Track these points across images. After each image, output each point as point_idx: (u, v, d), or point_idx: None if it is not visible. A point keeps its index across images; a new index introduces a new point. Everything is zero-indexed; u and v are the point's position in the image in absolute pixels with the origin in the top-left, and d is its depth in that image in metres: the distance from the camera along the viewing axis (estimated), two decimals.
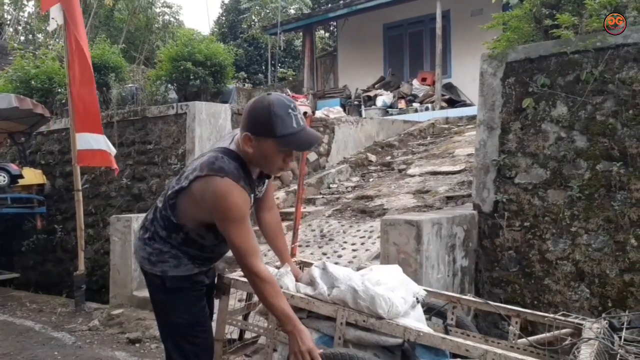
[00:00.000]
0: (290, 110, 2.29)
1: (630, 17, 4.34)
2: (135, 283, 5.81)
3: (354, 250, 5.49)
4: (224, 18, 22.65)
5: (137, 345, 4.89)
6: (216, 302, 2.93)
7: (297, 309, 2.79)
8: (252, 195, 2.42)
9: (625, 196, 4.20)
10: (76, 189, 6.29)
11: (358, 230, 6.00)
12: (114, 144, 7.64)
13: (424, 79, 13.26)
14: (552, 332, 2.98)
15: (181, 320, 2.58)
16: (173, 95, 8.39)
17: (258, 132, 2.29)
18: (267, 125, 2.26)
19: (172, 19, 18.93)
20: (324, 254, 5.51)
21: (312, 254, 5.56)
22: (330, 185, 8.13)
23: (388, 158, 9.09)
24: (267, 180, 2.61)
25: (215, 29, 22.17)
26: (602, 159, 4.32)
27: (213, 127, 7.01)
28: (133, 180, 7.47)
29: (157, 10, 18.04)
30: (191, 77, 7.84)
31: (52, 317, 5.93)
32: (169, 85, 8.31)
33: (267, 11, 21.13)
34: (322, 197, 7.59)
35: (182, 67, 7.76)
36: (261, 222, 2.84)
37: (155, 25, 17.86)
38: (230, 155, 2.35)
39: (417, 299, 2.76)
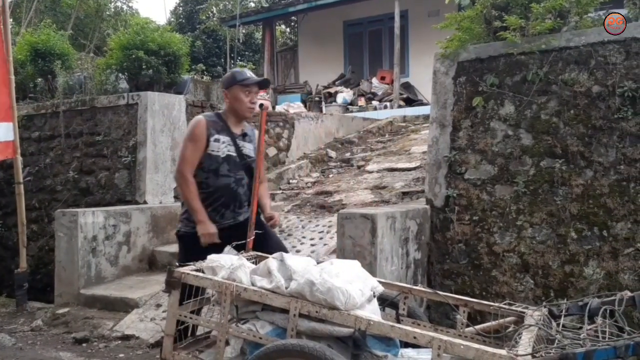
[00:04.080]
0: (245, 70, 3.68)
1: (572, 21, 4.57)
2: (83, 280, 5.60)
3: (312, 245, 5.58)
4: (181, 8, 22.25)
5: (84, 345, 4.71)
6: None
7: (251, 302, 2.85)
8: (234, 146, 3.59)
9: (567, 191, 4.44)
10: (17, 182, 6.01)
11: (317, 225, 6.09)
12: (59, 135, 7.38)
13: (383, 78, 13.44)
14: (497, 321, 3.14)
15: None
16: (124, 85, 8.01)
17: (226, 85, 3.63)
18: (231, 78, 3.64)
19: (125, 7, 18.44)
20: None
21: None
22: (290, 181, 8.19)
23: (347, 154, 9.20)
24: (253, 141, 3.69)
25: (172, 20, 21.76)
26: (546, 156, 4.54)
27: (167, 119, 6.83)
28: (80, 173, 7.21)
29: None
30: (143, 67, 7.50)
31: None
32: (120, 74, 7.94)
33: (226, 2, 20.93)
34: (282, 193, 7.64)
35: (133, 56, 7.43)
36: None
37: (107, 12, 17.26)
38: (213, 112, 3.73)
39: (373, 293, 2.86)
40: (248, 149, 3.68)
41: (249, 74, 3.66)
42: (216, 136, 3.55)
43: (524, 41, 4.64)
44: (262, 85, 3.74)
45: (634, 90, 4.22)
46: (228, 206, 3.60)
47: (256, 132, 3.78)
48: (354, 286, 2.68)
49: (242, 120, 3.72)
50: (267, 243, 3.64)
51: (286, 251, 3.43)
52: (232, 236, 3.61)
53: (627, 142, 4.27)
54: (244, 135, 3.68)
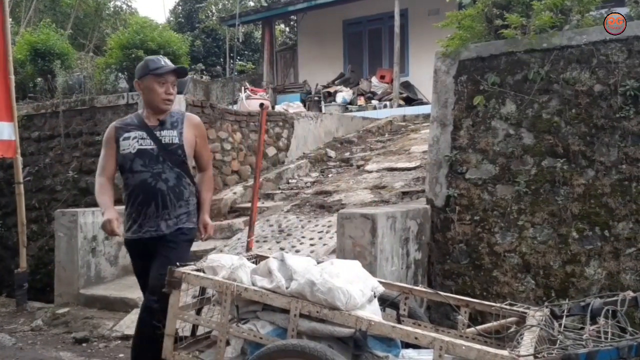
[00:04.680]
0: (160, 58, 3.37)
1: (574, 20, 4.55)
2: (82, 280, 5.61)
3: (311, 245, 5.55)
4: (180, 7, 22.26)
5: (84, 345, 4.71)
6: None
7: (251, 302, 2.84)
8: (151, 138, 3.27)
9: (568, 191, 4.42)
10: (17, 182, 6.01)
11: (316, 225, 6.07)
12: (59, 135, 7.41)
13: (382, 77, 13.42)
14: (498, 321, 3.12)
15: None
16: (124, 84, 8.08)
17: (139, 75, 3.32)
18: (143, 67, 3.30)
19: (124, 6, 18.46)
20: (282, 249, 5.55)
21: (269, 249, 5.60)
22: (289, 181, 8.17)
23: (347, 154, 9.19)
24: (177, 127, 3.33)
25: (172, 19, 21.77)
26: (547, 155, 4.52)
27: None
28: (80, 173, 7.20)
29: None
30: None
31: None
32: (120, 74, 8.04)
33: (225, 2, 20.94)
34: (281, 192, 7.62)
35: (133, 55, 7.51)
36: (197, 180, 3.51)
37: (106, 11, 17.29)
38: (132, 114, 3.48)
39: (374, 293, 2.84)
40: (170, 136, 3.29)
41: (164, 61, 3.32)
42: (125, 135, 3.30)
43: (526, 39, 4.62)
44: (179, 73, 3.37)
45: (636, 89, 4.20)
46: (149, 204, 3.23)
47: (187, 115, 3.46)
48: (354, 286, 2.67)
49: (159, 112, 3.33)
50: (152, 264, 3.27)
51: (159, 288, 3.01)
52: (153, 254, 3.27)
53: (629, 141, 4.25)
54: (162, 124, 3.31)
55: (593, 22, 4.61)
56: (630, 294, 2.87)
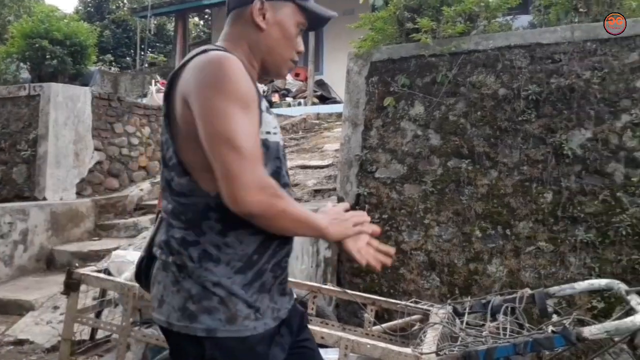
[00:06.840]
0: None
1: (481, 25, 4.71)
2: None
3: None
4: None
5: None
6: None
7: None
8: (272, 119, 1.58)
9: (472, 191, 4.57)
10: None
11: None
12: None
13: (297, 75, 13.40)
14: (404, 319, 3.16)
15: None
16: (26, 75, 7.76)
17: None
18: None
19: None
20: None
21: None
22: None
23: None
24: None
25: (80, 8, 20.78)
26: (453, 156, 4.66)
27: (71, 111, 6.53)
28: None
29: None
30: (47, 57, 7.27)
31: None
32: (22, 64, 7.69)
33: None
34: None
35: (37, 45, 7.19)
36: None
37: None
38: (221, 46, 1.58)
39: None
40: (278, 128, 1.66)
41: None
42: (263, 103, 1.54)
43: (435, 43, 4.73)
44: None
45: (537, 94, 4.40)
46: (288, 254, 1.59)
47: None
48: None
49: (274, 76, 1.76)
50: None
51: None
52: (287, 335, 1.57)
53: (530, 144, 4.44)
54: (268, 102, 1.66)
55: (499, 28, 4.79)
56: (527, 291, 2.98)
